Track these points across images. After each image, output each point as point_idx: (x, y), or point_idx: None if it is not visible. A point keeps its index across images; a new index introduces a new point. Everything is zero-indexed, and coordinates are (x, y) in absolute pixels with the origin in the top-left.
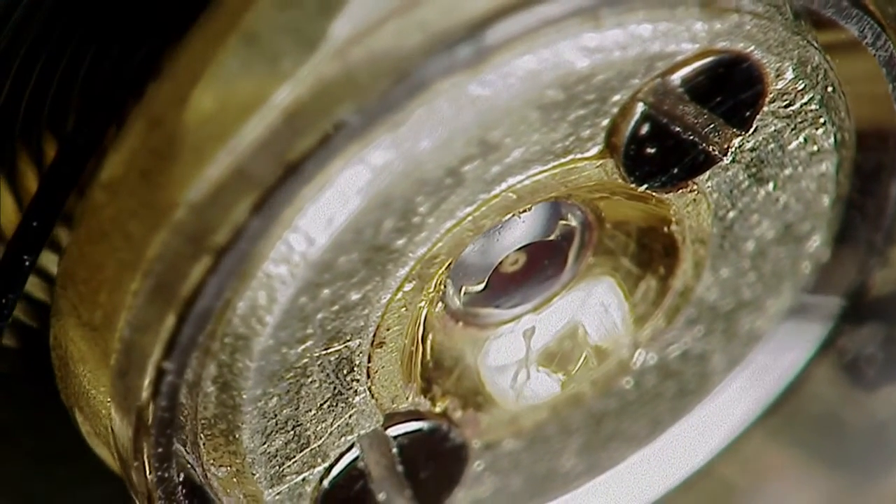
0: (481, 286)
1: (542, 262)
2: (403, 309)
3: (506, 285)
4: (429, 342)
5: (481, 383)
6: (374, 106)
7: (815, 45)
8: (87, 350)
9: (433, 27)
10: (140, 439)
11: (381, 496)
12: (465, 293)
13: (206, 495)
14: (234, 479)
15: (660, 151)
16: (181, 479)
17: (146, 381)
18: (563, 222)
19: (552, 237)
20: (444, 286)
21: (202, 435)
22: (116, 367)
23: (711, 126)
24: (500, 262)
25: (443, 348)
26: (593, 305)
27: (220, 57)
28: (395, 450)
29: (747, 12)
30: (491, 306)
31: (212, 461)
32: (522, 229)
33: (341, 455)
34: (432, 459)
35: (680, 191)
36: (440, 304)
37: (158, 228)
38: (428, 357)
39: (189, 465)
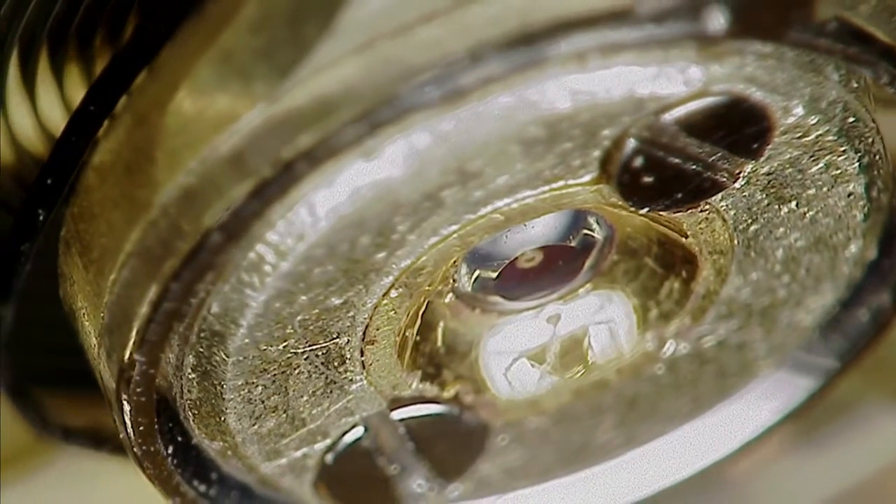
0: (494, 274)
1: (558, 264)
2: (392, 312)
3: (518, 279)
4: (439, 330)
5: (478, 368)
6: (343, 135)
7: (837, 76)
8: (84, 317)
9: (408, 62)
10: (122, 415)
11: (392, 469)
12: (476, 278)
13: (204, 463)
14: (229, 452)
15: (659, 180)
16: (170, 451)
17: (122, 367)
18: (586, 231)
19: (572, 243)
20: (453, 280)
21: (190, 413)
22: (102, 344)
23: (718, 155)
24: (516, 258)
25: (456, 335)
26: (604, 319)
27: (199, 68)
28: (402, 430)
29: (751, 53)
30: (501, 295)
31: (204, 436)
32: (543, 230)
33: (344, 433)
34: (445, 438)
35: (689, 211)
36: (450, 295)
37: (135, 224)
38: (438, 344)
39: (181, 437)
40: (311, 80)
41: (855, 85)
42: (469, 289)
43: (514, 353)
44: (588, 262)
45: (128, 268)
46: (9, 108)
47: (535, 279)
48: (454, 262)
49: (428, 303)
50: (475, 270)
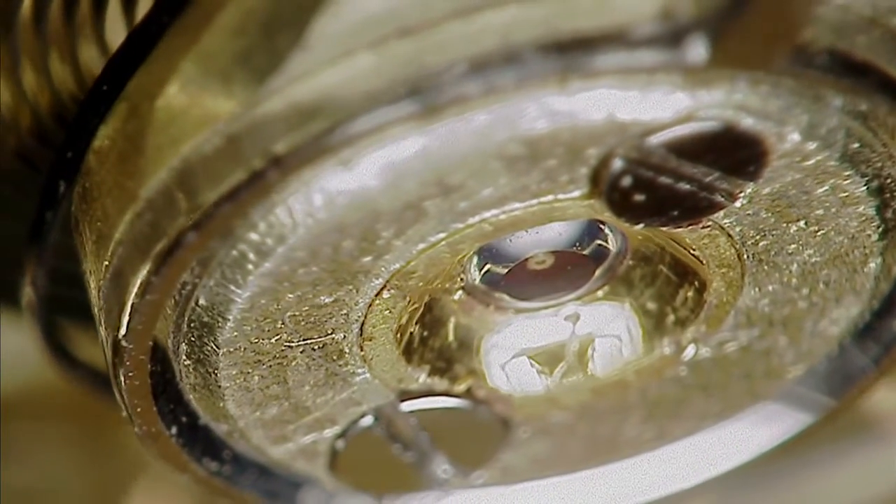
0: (503, 270)
1: (567, 269)
2: (387, 312)
3: (527, 279)
4: (450, 326)
5: (478, 362)
6: (317, 143)
7: (840, 102)
8: (91, 293)
9: (382, 77)
10: (121, 396)
11: (409, 456)
12: (486, 272)
13: (214, 443)
14: (236, 435)
15: (651, 199)
16: (174, 431)
17: (114, 351)
18: (599, 240)
19: (584, 251)
20: (461, 278)
21: (192, 396)
22: (101, 324)
23: (714, 177)
24: (527, 258)
25: (469, 330)
26: (611, 333)
27: (185, 65)
28: (413, 421)
29: (743, 80)
30: (509, 294)
31: (209, 418)
32: (557, 234)
33: (353, 421)
34: (462, 429)
35: (690, 228)
36: (460, 292)
37: (124, 214)
38: (450, 339)
39: (186, 418)
40: (288, 88)
41: (863, 108)
42: (478, 282)
43: (528, 350)
44: (600, 270)
45: (117, 256)
46: (50, 50)
47: (544, 281)
48: (460, 259)
49: (434, 299)
50: (486, 265)
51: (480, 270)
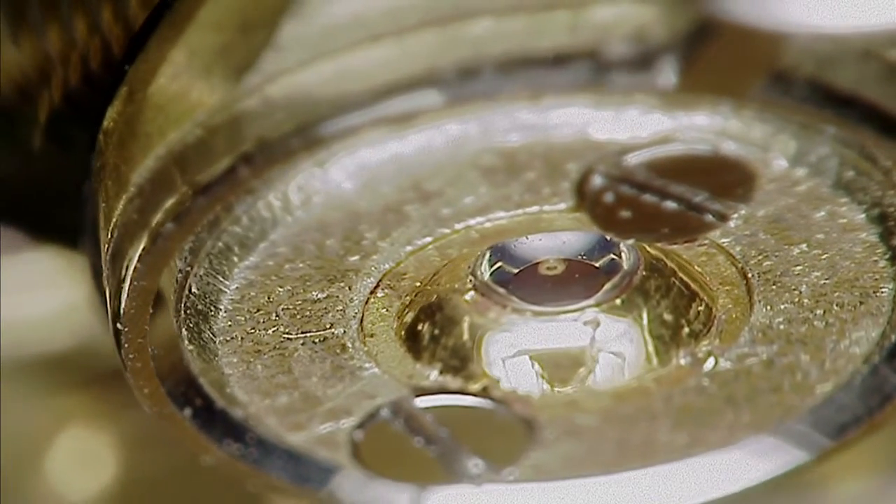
0: (514, 270)
1: (576, 278)
2: (384, 310)
3: (536, 283)
4: (465, 325)
5: (478, 357)
6: (290, 143)
7: (832, 129)
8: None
9: (353, 82)
10: (129, 377)
11: (432, 451)
12: (496, 269)
13: (235, 425)
14: (251, 421)
15: (637, 216)
16: (188, 413)
17: (114, 333)
18: (612, 254)
19: (597, 264)
20: (471, 279)
21: (201, 381)
22: (105, 302)
23: (702, 197)
24: (538, 263)
25: (484, 331)
26: (616, 350)
27: (173, 55)
28: (430, 417)
29: (725, 103)
30: (519, 297)
31: (223, 403)
32: (571, 242)
33: (369, 414)
34: (484, 427)
35: (685, 245)
36: (472, 292)
37: (120, 197)
38: (465, 338)
39: (201, 400)
40: (265, 86)
41: (863, 136)
42: (487, 279)
43: (538, 351)
44: (612, 282)
45: (114, 239)
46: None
47: (553, 287)
48: (464, 259)
49: (443, 298)
50: (497, 263)
51: (491, 268)
